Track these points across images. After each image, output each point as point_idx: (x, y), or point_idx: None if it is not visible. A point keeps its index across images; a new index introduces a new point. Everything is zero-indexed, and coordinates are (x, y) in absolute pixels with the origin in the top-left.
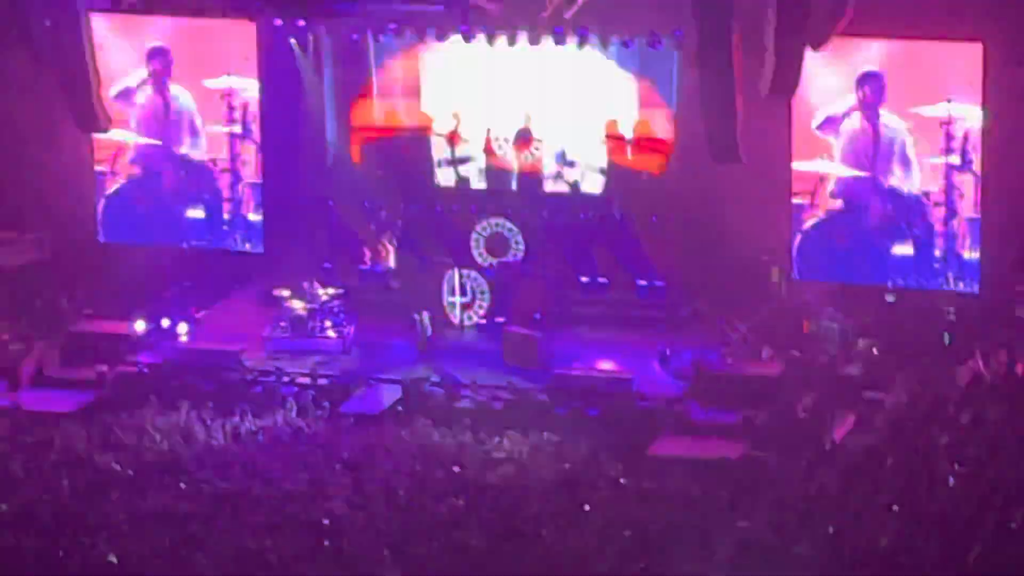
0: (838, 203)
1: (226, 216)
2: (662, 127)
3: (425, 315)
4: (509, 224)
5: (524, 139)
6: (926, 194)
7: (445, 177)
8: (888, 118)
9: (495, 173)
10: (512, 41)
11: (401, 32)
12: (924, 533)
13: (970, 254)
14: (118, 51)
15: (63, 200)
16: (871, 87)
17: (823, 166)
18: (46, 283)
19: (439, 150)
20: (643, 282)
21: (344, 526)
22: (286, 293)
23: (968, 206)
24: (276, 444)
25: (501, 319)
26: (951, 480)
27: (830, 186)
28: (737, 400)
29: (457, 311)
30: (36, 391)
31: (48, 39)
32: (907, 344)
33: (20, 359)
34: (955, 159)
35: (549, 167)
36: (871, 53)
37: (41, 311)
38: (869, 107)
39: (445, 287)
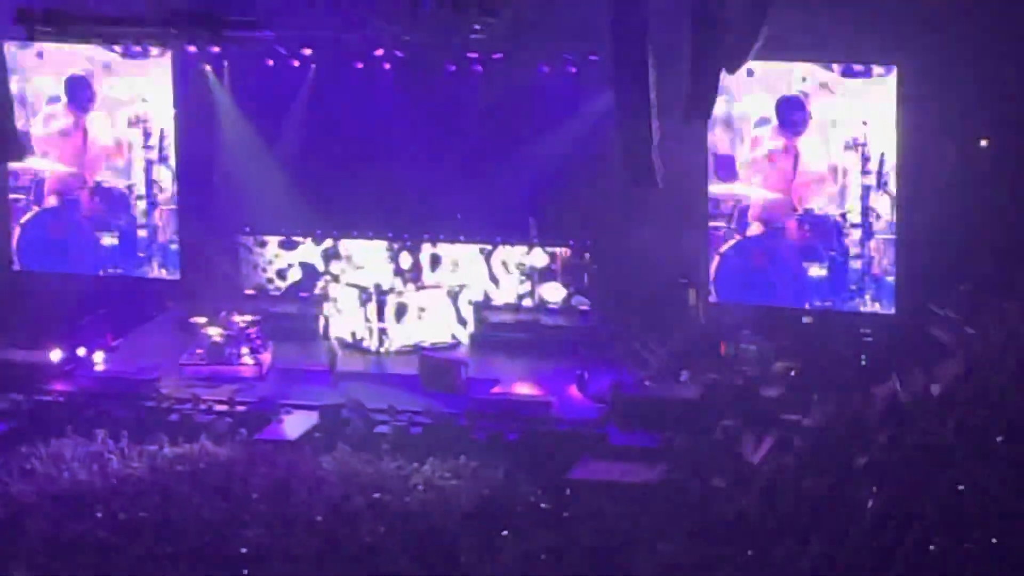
0: (756, 226)
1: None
2: None
3: (333, 340)
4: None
5: None
6: (843, 215)
7: None
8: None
9: None
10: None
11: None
12: (844, 555)
13: (887, 276)
14: (36, 80)
15: None
16: (790, 111)
17: (741, 189)
18: None
19: None
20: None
21: (263, 554)
22: (203, 320)
23: (883, 227)
24: (194, 472)
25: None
26: (870, 502)
27: (749, 209)
28: (656, 423)
29: (375, 336)
30: None
31: None
32: (825, 366)
33: None
34: (871, 180)
35: None
36: (791, 77)
37: None
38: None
39: (364, 311)
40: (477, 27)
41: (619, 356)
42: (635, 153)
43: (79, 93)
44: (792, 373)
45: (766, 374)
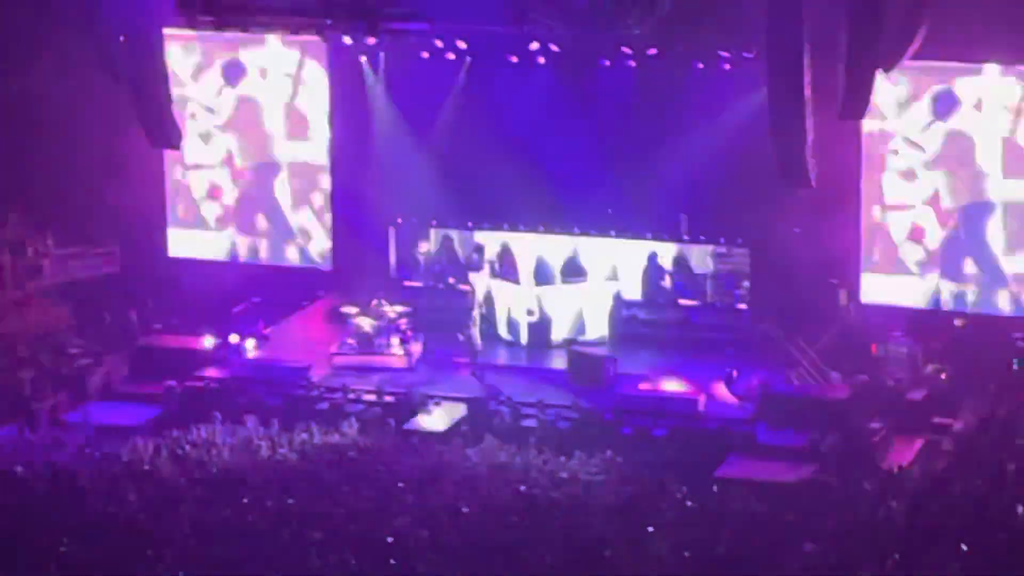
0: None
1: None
2: None
3: (475, 330)
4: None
5: None
6: None
7: None
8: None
9: None
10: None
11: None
12: (992, 561)
13: None
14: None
15: (134, 215)
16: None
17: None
18: (116, 297)
19: None
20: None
21: (409, 544)
22: (353, 310)
23: None
24: (342, 461)
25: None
26: (1020, 508)
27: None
28: (804, 423)
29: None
30: (104, 404)
31: (123, 56)
32: (976, 370)
33: (89, 372)
34: None
35: None
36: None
37: (110, 325)
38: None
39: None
40: (633, 22)
41: (769, 355)
42: (788, 152)
43: (235, 75)
44: (943, 376)
45: (916, 376)
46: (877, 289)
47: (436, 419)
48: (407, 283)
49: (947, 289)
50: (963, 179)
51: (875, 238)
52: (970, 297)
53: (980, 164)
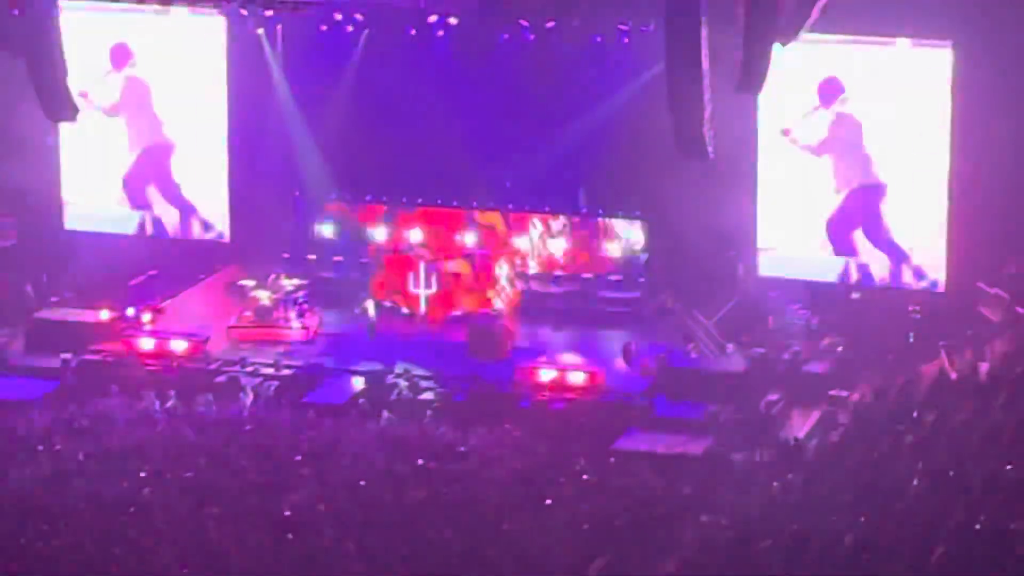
0: None
1: None
2: None
3: (369, 303)
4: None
5: None
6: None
7: None
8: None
9: None
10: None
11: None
12: (888, 533)
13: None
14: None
15: (29, 187)
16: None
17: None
18: (11, 270)
19: None
20: (613, 277)
21: (306, 518)
22: (251, 283)
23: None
24: (239, 434)
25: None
26: (915, 480)
27: None
28: (702, 396)
29: (423, 303)
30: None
31: (17, 29)
32: (872, 342)
33: None
34: None
35: None
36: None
37: (6, 298)
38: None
39: (410, 279)
40: None
41: (667, 328)
42: (686, 125)
43: (122, 59)
44: (839, 349)
45: (813, 349)
46: (775, 262)
47: (334, 392)
48: (306, 257)
49: (845, 264)
50: (850, 163)
51: (770, 212)
52: (875, 272)
53: (867, 147)
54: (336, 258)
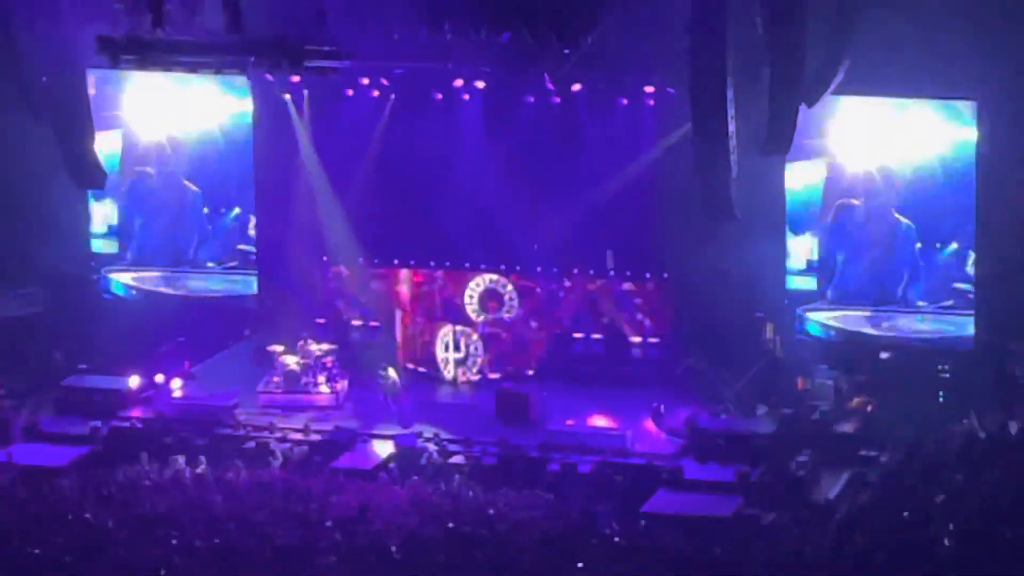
0: None
1: None
2: None
3: (391, 369)
4: (503, 280)
5: None
6: None
7: None
8: None
9: None
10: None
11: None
12: None
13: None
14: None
15: (58, 254)
16: None
17: None
18: (40, 337)
19: None
20: (638, 339)
21: None
22: (279, 348)
23: None
24: (269, 499)
25: (495, 375)
26: (946, 540)
27: None
28: (731, 457)
29: (451, 367)
30: (29, 445)
31: (46, 96)
32: (902, 402)
33: (13, 413)
34: None
35: None
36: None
37: (35, 365)
38: None
39: (439, 343)
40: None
41: (695, 390)
42: (713, 187)
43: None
44: (869, 409)
45: (843, 409)
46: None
47: (363, 457)
48: (333, 321)
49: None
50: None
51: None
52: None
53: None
54: (362, 322)
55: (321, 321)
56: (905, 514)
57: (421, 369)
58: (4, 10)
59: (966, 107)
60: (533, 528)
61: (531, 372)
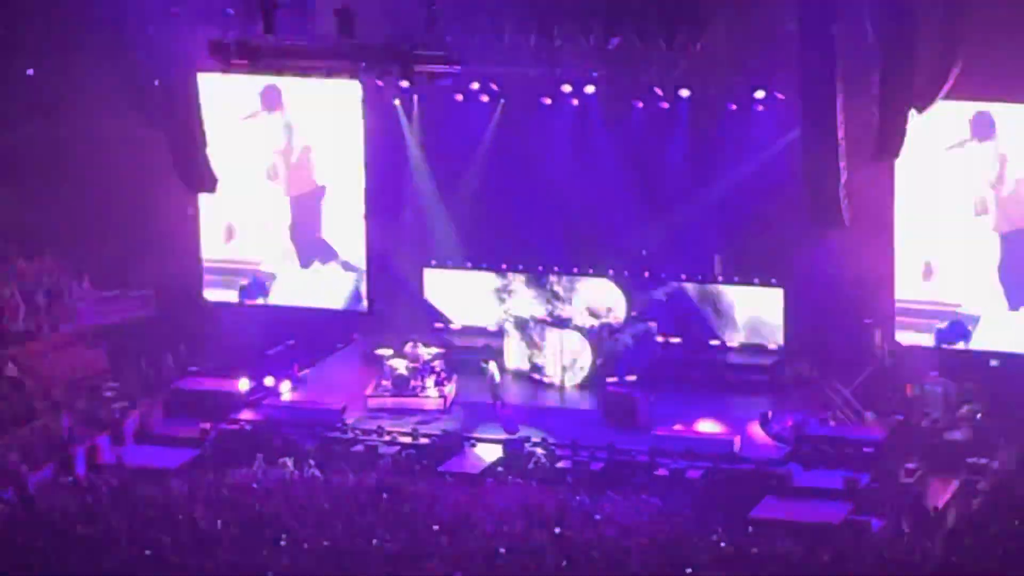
0: None
1: None
2: None
3: (492, 364)
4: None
5: None
6: None
7: None
8: None
9: None
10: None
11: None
12: None
13: None
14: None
15: (168, 258)
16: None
17: None
18: (151, 340)
19: None
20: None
21: None
22: (388, 352)
23: None
24: (377, 503)
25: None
26: None
27: None
28: (839, 463)
29: (558, 371)
30: (140, 447)
31: (158, 100)
32: (1012, 409)
33: (124, 415)
34: None
35: None
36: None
37: (146, 368)
38: None
39: (548, 348)
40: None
41: (804, 395)
42: (822, 193)
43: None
44: (978, 416)
45: (952, 417)
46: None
47: (471, 460)
48: (442, 326)
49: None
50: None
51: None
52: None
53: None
54: (470, 325)
55: (439, 326)
56: (1016, 523)
57: (530, 373)
58: (117, 15)
59: None
60: (640, 533)
61: (634, 377)
